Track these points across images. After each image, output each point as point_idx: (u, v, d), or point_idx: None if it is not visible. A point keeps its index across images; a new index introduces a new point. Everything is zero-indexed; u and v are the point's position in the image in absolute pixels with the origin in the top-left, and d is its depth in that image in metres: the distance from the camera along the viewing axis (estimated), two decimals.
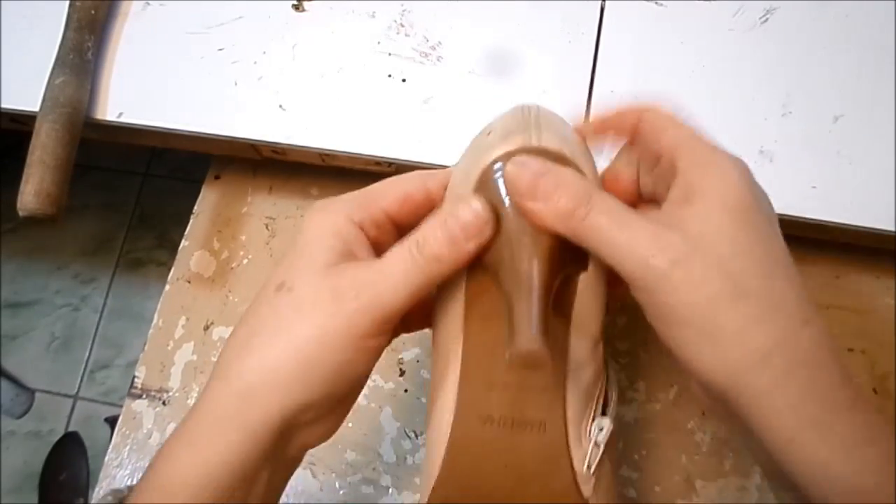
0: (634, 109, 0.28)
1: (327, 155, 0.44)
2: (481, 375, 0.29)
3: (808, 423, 0.23)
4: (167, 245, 1.23)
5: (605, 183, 0.30)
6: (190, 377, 0.45)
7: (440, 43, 0.44)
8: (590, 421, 0.29)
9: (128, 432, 0.44)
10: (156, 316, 0.47)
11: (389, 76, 0.44)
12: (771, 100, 0.42)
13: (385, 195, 0.29)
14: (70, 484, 1.11)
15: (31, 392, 1.17)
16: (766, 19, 0.44)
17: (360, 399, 0.35)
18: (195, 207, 0.49)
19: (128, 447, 0.44)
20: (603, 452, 0.29)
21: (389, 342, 0.28)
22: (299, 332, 0.26)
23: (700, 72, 0.43)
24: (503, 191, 0.27)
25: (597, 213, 0.25)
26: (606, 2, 0.45)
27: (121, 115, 0.43)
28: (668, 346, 0.25)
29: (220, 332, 0.46)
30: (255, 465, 0.25)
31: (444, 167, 0.42)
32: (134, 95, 0.44)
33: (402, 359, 0.44)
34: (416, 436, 0.43)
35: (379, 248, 0.28)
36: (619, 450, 0.42)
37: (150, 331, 0.46)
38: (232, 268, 0.47)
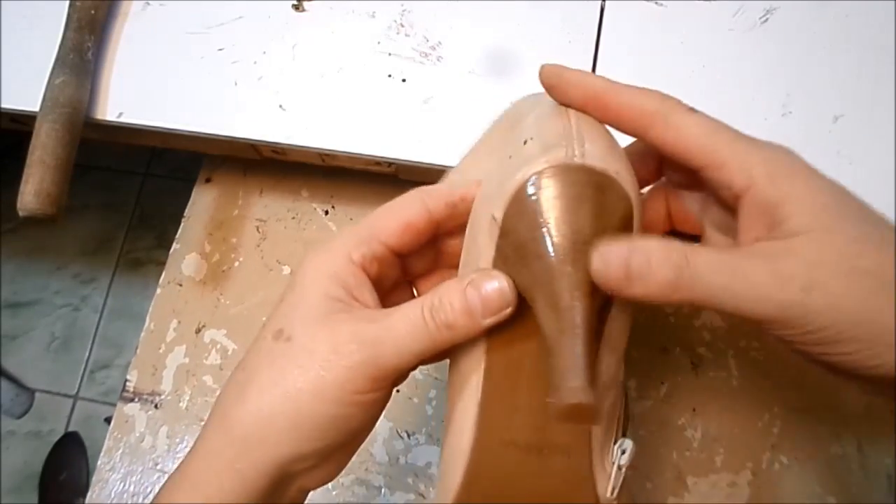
0: (650, 113, 0.26)
1: (327, 155, 0.44)
2: (505, 398, 0.27)
3: None
4: (167, 245, 1.22)
5: None
6: (182, 380, 0.45)
7: (440, 43, 0.44)
8: (613, 443, 0.28)
9: (120, 436, 0.44)
10: (147, 319, 0.46)
11: (389, 76, 0.44)
12: (771, 100, 0.42)
13: (384, 228, 0.27)
14: (70, 484, 1.11)
15: (31, 392, 1.17)
16: (766, 19, 0.44)
17: None
18: (186, 210, 0.49)
19: (120, 451, 0.44)
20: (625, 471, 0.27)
21: (389, 395, 0.27)
22: (294, 383, 0.25)
23: (700, 72, 0.43)
24: (540, 212, 0.25)
25: (702, 271, 0.23)
26: (606, 2, 0.45)
27: (121, 115, 0.43)
28: (835, 364, 0.24)
29: (212, 334, 0.46)
30: None
31: (445, 167, 0.42)
32: (134, 95, 0.44)
33: None
34: (409, 436, 0.43)
35: (381, 283, 0.28)
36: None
37: (142, 334, 0.46)
38: (223, 270, 0.47)
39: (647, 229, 0.30)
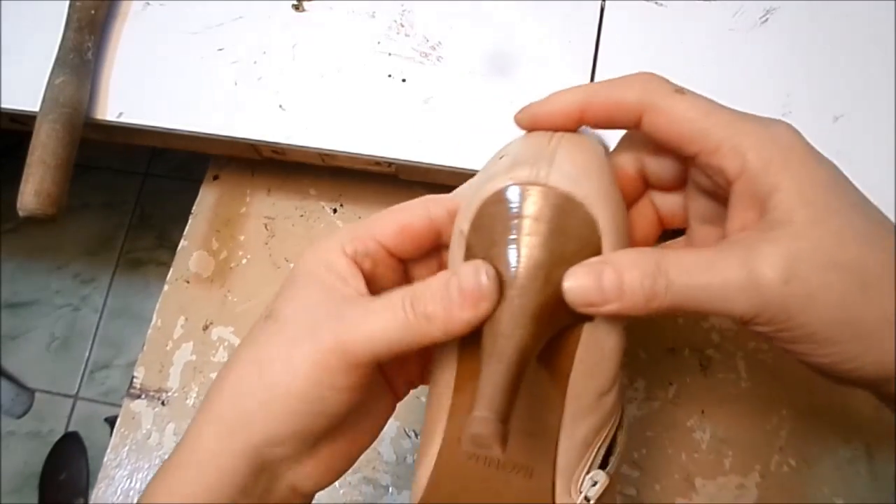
0: (631, 103, 0.25)
1: (327, 155, 0.44)
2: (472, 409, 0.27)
3: None
4: (167, 245, 1.23)
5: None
6: (189, 377, 0.45)
7: (440, 43, 0.44)
8: (584, 472, 0.27)
9: (126, 433, 0.44)
10: (154, 316, 0.47)
11: (389, 76, 0.44)
12: (771, 100, 0.42)
13: (381, 227, 0.27)
14: (70, 484, 1.11)
15: (31, 392, 1.17)
16: (766, 19, 0.44)
17: None
18: (194, 208, 0.49)
19: (126, 447, 0.44)
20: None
21: (366, 387, 0.25)
22: (268, 358, 0.25)
23: (700, 72, 0.43)
24: (495, 230, 0.24)
25: (675, 274, 0.22)
26: (606, 2, 0.45)
27: (121, 115, 0.43)
28: (818, 364, 0.23)
29: (219, 332, 0.46)
30: (231, 501, 0.25)
31: (445, 167, 0.42)
32: (134, 95, 0.44)
33: None
34: (416, 435, 0.43)
35: (377, 283, 0.27)
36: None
37: (149, 331, 0.46)
38: (231, 268, 0.47)
39: (641, 239, 0.29)
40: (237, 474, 0.25)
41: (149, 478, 0.42)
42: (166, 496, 0.25)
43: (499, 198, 0.25)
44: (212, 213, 0.49)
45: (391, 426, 0.43)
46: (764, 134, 0.23)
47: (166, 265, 0.48)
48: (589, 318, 0.25)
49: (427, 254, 0.29)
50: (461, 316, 0.24)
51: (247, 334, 0.27)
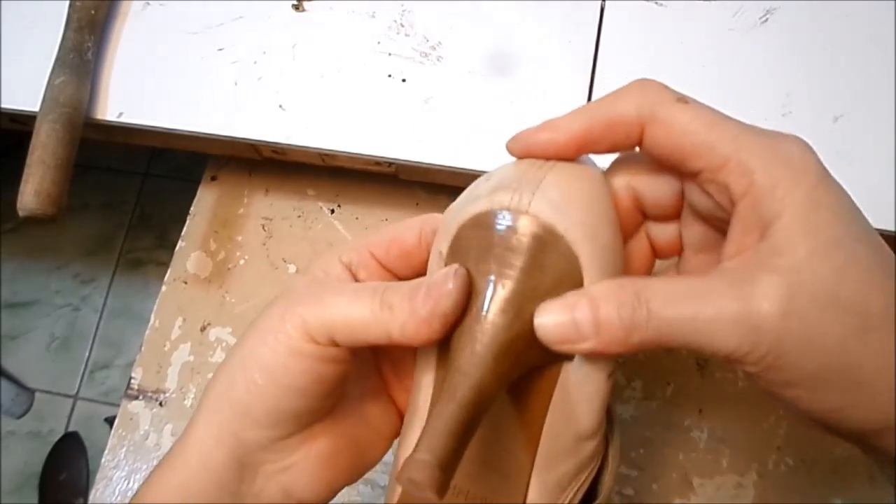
0: (629, 117, 0.23)
1: (327, 155, 0.44)
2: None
3: None
4: (167, 245, 1.23)
5: None
6: (187, 378, 0.45)
7: (440, 43, 0.44)
8: None
9: (125, 434, 0.44)
10: (152, 317, 0.47)
11: (389, 76, 0.44)
12: (771, 100, 0.42)
13: (375, 238, 0.27)
14: (70, 484, 1.11)
15: (31, 392, 1.17)
16: (766, 19, 0.44)
17: None
18: (192, 208, 0.49)
19: (125, 448, 0.44)
20: None
21: (337, 370, 0.25)
22: (245, 336, 0.25)
23: (700, 72, 0.43)
24: (468, 257, 0.23)
25: (658, 305, 0.20)
26: (606, 2, 0.45)
27: (121, 115, 0.43)
28: (808, 411, 0.21)
29: (217, 332, 0.46)
30: (216, 499, 0.24)
31: (445, 167, 0.42)
32: (134, 95, 0.44)
33: None
34: None
35: None
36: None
37: (147, 332, 0.46)
38: (229, 269, 0.47)
39: (633, 272, 0.27)
40: (217, 466, 0.24)
41: None
42: (154, 494, 0.25)
43: (477, 222, 0.23)
44: (210, 213, 0.49)
45: None
46: (774, 151, 0.21)
47: (166, 265, 0.48)
48: (569, 357, 0.23)
49: (422, 273, 0.28)
50: (420, 312, 0.22)
51: None
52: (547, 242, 0.22)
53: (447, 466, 0.20)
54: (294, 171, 0.49)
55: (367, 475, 0.42)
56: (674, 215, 0.26)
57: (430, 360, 0.26)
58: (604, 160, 0.26)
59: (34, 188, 0.37)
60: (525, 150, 0.24)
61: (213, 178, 0.50)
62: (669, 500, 0.41)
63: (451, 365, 0.22)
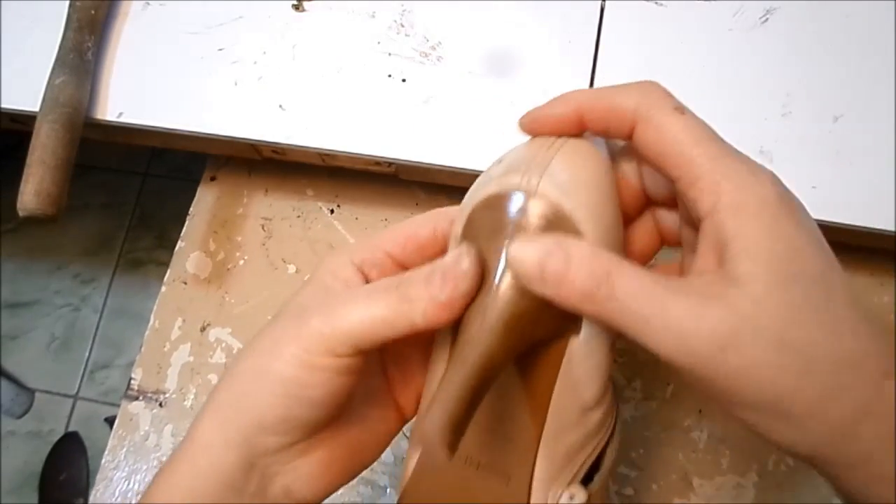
0: (625, 110, 0.24)
1: (327, 155, 0.44)
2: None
3: None
4: (167, 245, 1.23)
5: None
6: (187, 379, 0.45)
7: (440, 43, 0.44)
8: (564, 486, 0.26)
9: (124, 434, 0.44)
10: (152, 317, 0.47)
11: (389, 76, 0.44)
12: (771, 100, 0.42)
13: (388, 238, 0.27)
14: (70, 484, 1.11)
15: (31, 392, 1.17)
16: (766, 19, 0.44)
17: None
18: (191, 209, 0.49)
19: (125, 449, 0.44)
20: None
21: (353, 378, 0.25)
22: (262, 345, 0.25)
23: (700, 72, 0.43)
24: (481, 237, 0.24)
25: (620, 292, 0.21)
26: (606, 2, 0.45)
27: (121, 115, 0.43)
28: (735, 417, 0.22)
29: (217, 333, 0.46)
30: (222, 499, 0.25)
31: (445, 167, 0.42)
32: (134, 95, 0.44)
33: None
34: None
35: None
36: (616, 449, 0.42)
37: (147, 332, 0.46)
38: (228, 269, 0.47)
39: (638, 253, 0.28)
40: (228, 468, 0.25)
41: (147, 479, 0.43)
42: (162, 494, 0.25)
43: (488, 204, 0.24)
44: (209, 213, 0.49)
45: None
46: (747, 178, 0.21)
47: (166, 265, 0.48)
48: (575, 331, 0.25)
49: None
50: (440, 297, 0.23)
51: None
52: (554, 222, 0.23)
53: (457, 427, 0.22)
54: (294, 171, 0.49)
55: (367, 476, 0.42)
56: (675, 205, 0.27)
57: (446, 339, 0.27)
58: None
59: (34, 188, 0.37)
60: (533, 125, 0.26)
61: (213, 179, 0.50)
62: (669, 500, 0.41)
63: (461, 336, 0.24)
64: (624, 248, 0.26)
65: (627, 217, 0.27)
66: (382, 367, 0.30)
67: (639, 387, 0.43)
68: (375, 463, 0.42)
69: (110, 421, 1.13)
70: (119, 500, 0.43)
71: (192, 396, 0.45)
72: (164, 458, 0.43)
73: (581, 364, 0.25)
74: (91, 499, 0.43)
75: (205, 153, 0.49)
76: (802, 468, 0.41)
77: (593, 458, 0.27)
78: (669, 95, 0.24)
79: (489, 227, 0.24)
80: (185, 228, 0.49)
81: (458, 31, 0.45)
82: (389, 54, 0.44)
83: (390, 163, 0.43)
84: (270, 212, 0.49)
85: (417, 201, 0.48)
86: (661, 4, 0.45)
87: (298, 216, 0.49)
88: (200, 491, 0.25)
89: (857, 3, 0.44)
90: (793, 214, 0.21)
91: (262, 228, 0.48)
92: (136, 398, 0.45)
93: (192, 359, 0.45)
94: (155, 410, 0.44)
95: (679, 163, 0.22)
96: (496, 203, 0.24)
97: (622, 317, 0.21)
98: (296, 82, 0.44)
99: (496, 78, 0.43)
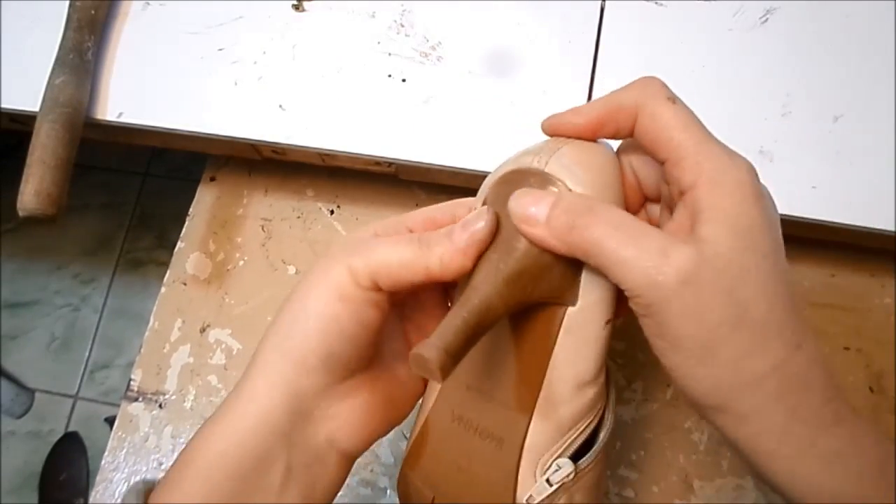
0: (628, 107, 0.27)
1: (327, 155, 0.44)
2: (463, 375, 0.30)
3: (792, 440, 0.24)
4: (167, 245, 1.23)
5: None
6: (186, 379, 0.45)
7: (440, 43, 0.44)
8: (553, 457, 0.28)
9: (124, 435, 0.44)
10: (152, 318, 0.46)
11: (389, 76, 0.44)
12: (771, 100, 0.42)
13: (411, 217, 0.30)
14: (70, 484, 1.11)
15: (31, 392, 1.17)
16: (766, 19, 0.44)
17: None
18: (191, 209, 0.49)
19: (124, 450, 0.44)
20: (558, 490, 0.28)
21: (379, 315, 0.28)
22: (294, 295, 0.28)
23: (700, 72, 0.43)
24: (500, 205, 0.27)
25: (601, 224, 0.24)
26: (606, 2, 0.45)
27: (121, 115, 0.43)
28: (661, 361, 0.25)
29: (216, 334, 0.46)
30: (269, 444, 0.26)
31: (445, 167, 0.42)
32: (134, 95, 0.44)
33: None
34: None
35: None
36: (617, 450, 0.42)
37: (147, 333, 0.46)
38: (228, 270, 0.47)
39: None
40: (274, 412, 0.26)
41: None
42: (213, 442, 0.26)
43: (505, 179, 0.28)
44: (209, 214, 0.49)
45: None
46: (726, 162, 0.24)
47: (166, 265, 0.48)
48: (572, 301, 0.27)
49: None
50: (458, 243, 0.26)
51: None
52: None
53: (452, 354, 0.24)
54: (293, 171, 0.49)
55: (367, 477, 0.42)
56: (659, 198, 0.30)
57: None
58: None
59: (34, 188, 0.37)
60: (553, 128, 0.29)
61: (212, 179, 0.50)
62: (670, 502, 0.41)
63: (469, 285, 0.26)
64: None
65: (630, 212, 0.29)
66: (403, 330, 0.32)
67: (639, 389, 0.43)
68: (376, 465, 0.42)
69: (110, 421, 1.13)
70: (118, 500, 0.43)
71: (191, 398, 0.45)
72: (163, 460, 0.43)
73: (577, 333, 0.27)
74: (91, 500, 0.43)
75: (205, 153, 0.49)
76: None
77: (584, 435, 0.29)
78: (664, 87, 0.26)
79: (504, 197, 0.27)
80: (184, 229, 0.49)
81: (458, 31, 0.45)
82: (389, 54, 0.44)
83: (390, 163, 0.43)
84: (270, 212, 0.49)
85: (417, 201, 0.48)
86: (661, 4, 0.45)
87: (298, 217, 0.49)
88: (250, 437, 0.26)
89: (857, 3, 0.44)
90: (759, 200, 0.24)
91: (262, 229, 0.48)
92: (136, 399, 0.45)
93: (191, 360, 0.45)
94: (155, 412, 0.44)
95: (669, 146, 0.25)
96: (511, 179, 0.28)
97: (592, 248, 0.24)
98: (296, 82, 0.44)
99: (496, 78, 0.43)
